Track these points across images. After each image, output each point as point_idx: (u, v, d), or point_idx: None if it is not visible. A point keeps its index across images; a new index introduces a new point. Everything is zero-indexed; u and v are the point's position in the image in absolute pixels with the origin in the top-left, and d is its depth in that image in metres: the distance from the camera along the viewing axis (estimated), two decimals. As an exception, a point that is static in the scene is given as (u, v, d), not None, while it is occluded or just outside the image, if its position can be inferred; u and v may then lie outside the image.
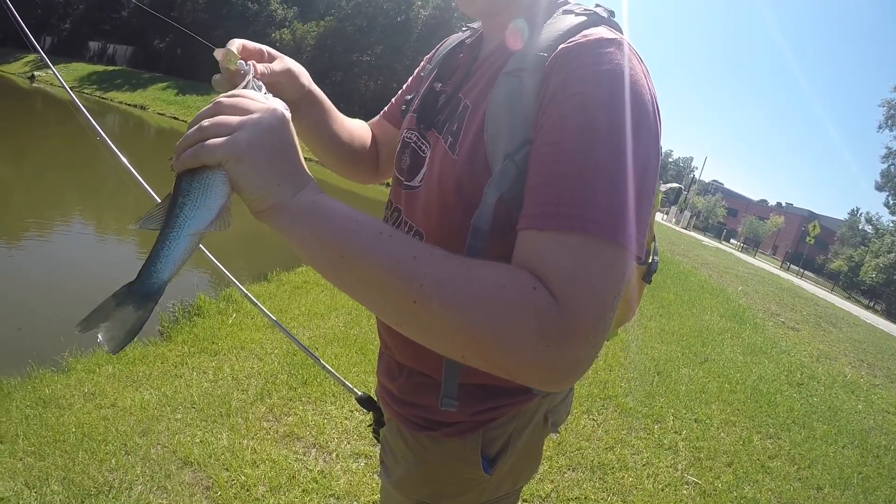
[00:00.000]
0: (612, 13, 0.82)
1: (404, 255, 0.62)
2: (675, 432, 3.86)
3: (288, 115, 0.68)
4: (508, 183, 0.74)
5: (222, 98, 0.66)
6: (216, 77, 0.82)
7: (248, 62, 0.80)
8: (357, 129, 1.19)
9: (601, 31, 0.74)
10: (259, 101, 0.67)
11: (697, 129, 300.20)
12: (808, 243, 41.65)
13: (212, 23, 40.17)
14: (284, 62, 0.93)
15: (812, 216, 62.03)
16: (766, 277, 15.64)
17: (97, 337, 0.60)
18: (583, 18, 0.78)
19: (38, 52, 1.84)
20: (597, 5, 0.83)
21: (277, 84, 0.90)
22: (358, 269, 0.63)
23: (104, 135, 1.59)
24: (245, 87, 0.73)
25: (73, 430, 2.87)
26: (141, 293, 0.61)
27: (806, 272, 41.10)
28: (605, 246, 0.63)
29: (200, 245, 1.34)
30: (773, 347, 6.91)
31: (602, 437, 3.56)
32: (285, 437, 3.03)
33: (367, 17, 36.78)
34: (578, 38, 0.73)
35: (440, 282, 0.61)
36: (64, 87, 1.65)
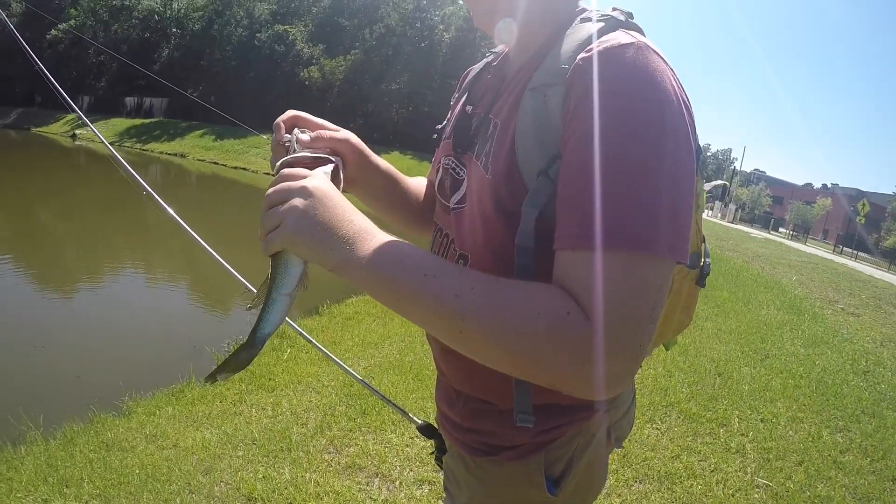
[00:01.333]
0: (629, 15, 0.81)
1: (446, 295, 0.68)
2: (742, 434, 3.75)
3: (324, 182, 0.76)
4: (545, 198, 0.75)
5: (269, 191, 0.75)
6: (272, 157, 0.92)
7: (294, 131, 0.91)
8: (420, 188, 1.23)
9: (618, 37, 0.73)
10: (295, 183, 0.75)
11: (734, 119, 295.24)
12: (859, 223, 40.20)
13: (241, 68, 41.43)
14: (340, 133, 0.99)
15: (860, 194, 59.89)
16: (820, 264, 15.15)
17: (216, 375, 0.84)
18: (600, 25, 0.78)
19: (78, 114, 1.91)
20: (613, 9, 0.82)
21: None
22: (410, 308, 0.71)
23: (147, 186, 1.64)
24: (290, 155, 0.86)
25: (137, 471, 2.94)
26: (252, 344, 0.81)
27: (860, 253, 39.44)
28: (636, 261, 0.65)
29: (249, 285, 1.39)
30: (835, 336, 6.67)
31: (667, 446, 3.48)
32: (347, 468, 3.04)
33: (392, 46, 37.44)
34: (595, 46, 0.73)
35: (480, 316, 0.67)
36: (108, 147, 1.71)
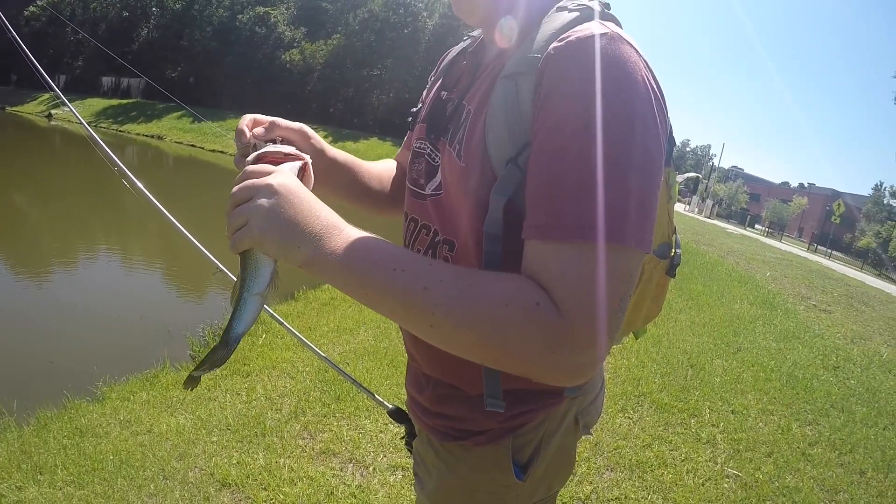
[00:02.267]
0: (606, 6, 0.81)
1: (415, 289, 0.69)
2: (713, 425, 3.81)
3: (289, 178, 0.75)
4: (514, 186, 0.75)
5: (234, 189, 0.75)
6: (236, 157, 0.92)
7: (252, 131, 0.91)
8: (386, 173, 1.23)
9: (592, 27, 0.73)
10: (259, 181, 0.74)
11: (714, 116, 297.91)
12: (834, 222, 40.85)
13: (221, 49, 40.84)
14: (293, 124, 0.99)
15: (836, 195, 60.95)
16: (794, 261, 15.38)
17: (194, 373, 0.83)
18: (575, 14, 0.78)
19: (55, 91, 1.88)
20: None
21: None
22: (380, 302, 0.72)
23: (122, 165, 1.62)
24: (257, 154, 0.84)
25: (111, 457, 2.91)
26: (226, 343, 0.80)
27: (834, 252, 40.14)
28: (605, 251, 0.66)
29: (226, 269, 1.38)
30: (806, 332, 6.78)
31: (639, 435, 3.53)
32: (321, 453, 3.05)
33: (375, 31, 37.17)
34: (569, 35, 0.73)
35: (449, 308, 0.67)
36: (81, 122, 1.68)
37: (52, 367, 4.48)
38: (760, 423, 3.96)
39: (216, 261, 1.38)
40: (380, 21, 37.20)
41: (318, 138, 1.03)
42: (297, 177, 0.78)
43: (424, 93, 1.12)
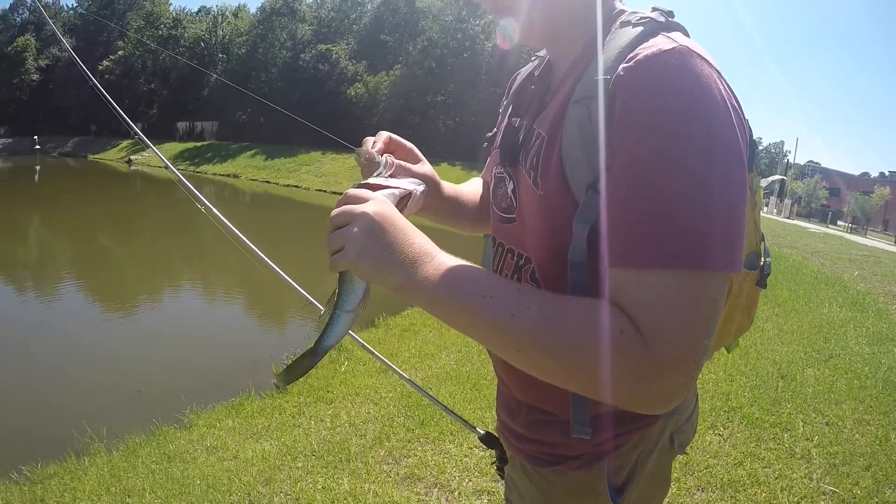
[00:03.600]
0: (670, 13, 0.78)
1: (503, 315, 0.70)
2: (807, 439, 3.62)
3: (385, 206, 0.78)
4: (596, 213, 0.74)
5: (333, 213, 0.78)
6: (357, 151, 1.01)
7: (384, 155, 0.98)
8: (477, 193, 1.29)
9: (658, 43, 0.71)
10: (357, 207, 0.77)
11: (785, 111, 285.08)
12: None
13: (287, 89, 42.35)
14: (424, 168, 1.08)
15: (920, 179, 57.20)
16: (882, 257, 14.50)
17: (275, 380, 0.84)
18: (639, 30, 0.75)
19: (138, 134, 2.00)
20: (653, 9, 0.80)
21: None
22: (469, 328, 0.74)
23: (206, 201, 1.70)
24: (374, 175, 0.92)
25: (198, 482, 3.01)
26: (315, 352, 0.87)
27: (923, 242, 37.65)
28: (690, 277, 0.65)
29: (312, 299, 1.45)
30: (902, 333, 6.38)
31: (730, 453, 3.38)
32: (406, 478, 3.06)
33: (435, 58, 37.72)
34: (636, 55, 0.71)
35: (535, 335, 0.69)
36: (167, 164, 1.77)
37: (140, 397, 4.72)
38: (857, 435, 3.73)
39: (308, 295, 1.42)
40: (439, 47, 37.72)
41: (435, 177, 1.12)
42: (396, 204, 0.81)
43: (499, 118, 1.13)
